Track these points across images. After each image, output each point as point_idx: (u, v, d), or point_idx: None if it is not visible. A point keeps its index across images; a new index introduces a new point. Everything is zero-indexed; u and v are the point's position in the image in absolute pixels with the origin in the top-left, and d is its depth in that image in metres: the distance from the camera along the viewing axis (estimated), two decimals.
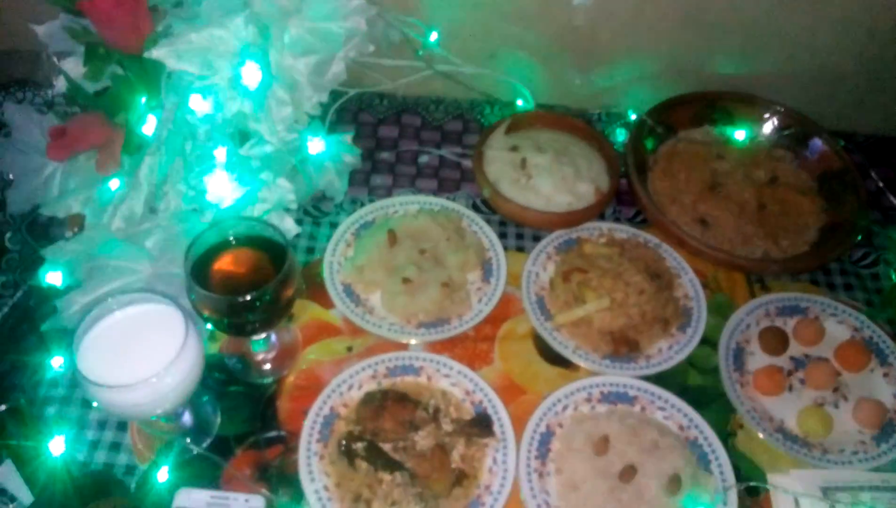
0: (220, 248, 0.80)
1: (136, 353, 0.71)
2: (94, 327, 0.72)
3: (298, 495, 0.80)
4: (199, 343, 0.73)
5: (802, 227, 1.05)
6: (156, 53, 0.88)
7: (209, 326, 0.84)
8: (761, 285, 1.02)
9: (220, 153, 0.95)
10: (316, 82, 1.00)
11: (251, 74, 0.89)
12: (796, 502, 0.82)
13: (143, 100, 0.94)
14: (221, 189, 0.95)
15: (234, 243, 0.80)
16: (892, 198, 1.12)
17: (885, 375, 0.93)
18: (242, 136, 1.00)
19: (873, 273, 1.06)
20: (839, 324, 0.97)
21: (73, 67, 0.94)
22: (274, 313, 0.80)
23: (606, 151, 1.09)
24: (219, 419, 0.85)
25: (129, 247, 0.93)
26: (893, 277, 0.98)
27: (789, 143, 1.14)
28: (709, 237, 1.03)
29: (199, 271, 0.78)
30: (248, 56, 0.89)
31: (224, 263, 0.80)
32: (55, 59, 0.95)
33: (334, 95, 1.06)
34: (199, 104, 0.93)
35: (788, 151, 1.14)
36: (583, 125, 1.12)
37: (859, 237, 1.01)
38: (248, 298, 0.74)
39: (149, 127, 0.94)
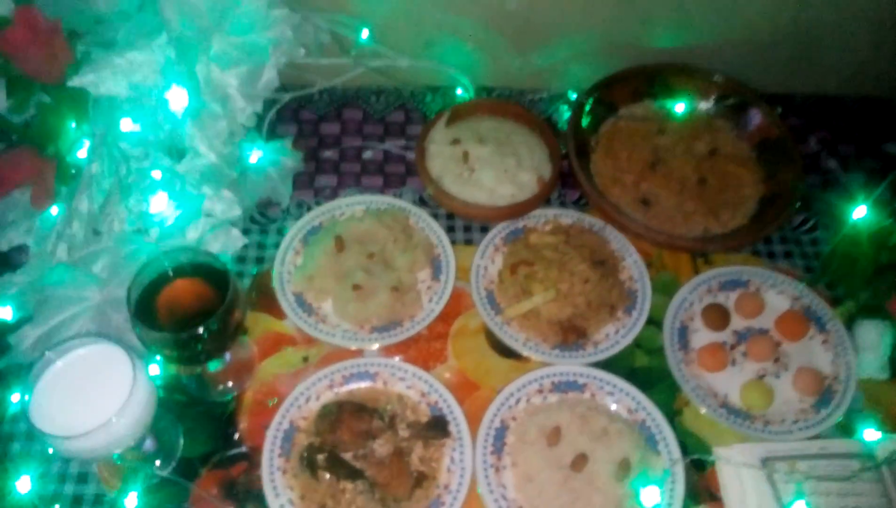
0: (162, 281, 0.80)
1: (89, 397, 0.72)
2: (42, 376, 0.72)
3: None
4: (148, 382, 0.74)
5: (742, 199, 1.07)
6: (78, 81, 0.87)
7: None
8: (705, 260, 1.05)
9: (157, 174, 0.95)
10: (248, 92, 0.99)
11: (177, 97, 0.88)
12: (739, 475, 0.86)
13: (73, 126, 0.92)
14: (163, 208, 0.95)
15: (174, 275, 0.80)
16: (829, 160, 1.14)
17: (824, 342, 0.97)
18: (179, 152, 0.99)
19: (812, 239, 1.09)
20: (779, 295, 1.00)
21: None
22: (223, 340, 0.81)
23: (547, 136, 1.10)
24: (181, 441, 0.87)
25: (77, 273, 0.93)
26: (836, 243, 1.00)
27: (728, 113, 1.15)
28: (651, 218, 1.05)
29: (144, 306, 0.79)
30: (173, 78, 0.87)
31: (168, 296, 0.80)
32: None
33: (270, 100, 1.05)
34: (130, 127, 0.92)
35: (728, 121, 1.15)
36: (523, 111, 1.12)
37: (797, 206, 1.04)
38: (195, 331, 0.75)
39: (82, 153, 0.93)
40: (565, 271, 0.96)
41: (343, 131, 1.17)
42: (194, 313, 0.78)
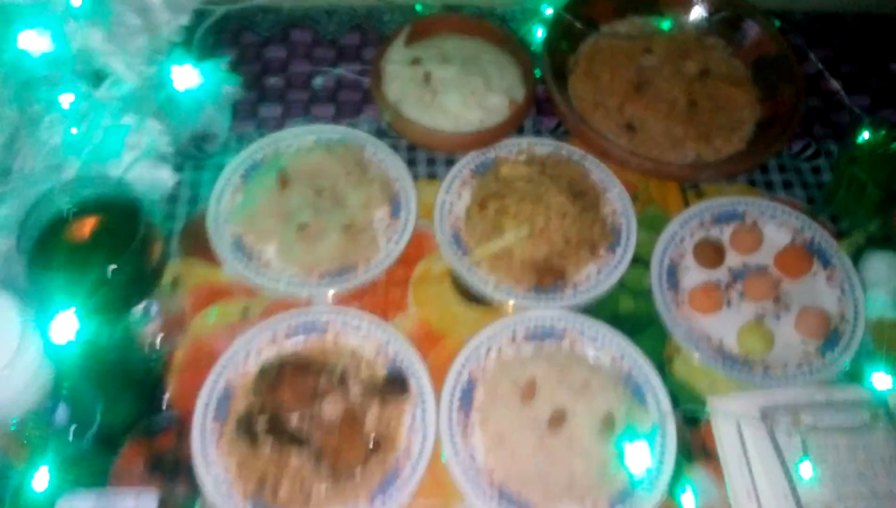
0: (63, 220, 0.68)
1: None
2: None
3: (197, 485, 0.71)
4: (41, 335, 0.62)
5: (737, 123, 0.96)
6: None
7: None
8: (696, 192, 0.94)
9: (67, 98, 0.82)
10: (173, 2, 0.85)
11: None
12: (738, 428, 0.76)
13: None
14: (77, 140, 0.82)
15: (77, 212, 0.68)
16: (831, 81, 1.03)
17: (829, 278, 0.87)
18: (97, 76, 0.86)
19: (814, 166, 0.98)
20: (779, 228, 0.90)
21: None
22: (138, 286, 0.69)
23: (520, 55, 0.97)
24: (99, 409, 0.76)
25: None
26: (841, 169, 0.90)
27: (721, 29, 1.03)
28: (636, 144, 0.93)
29: (42, 248, 0.66)
30: None
31: (70, 237, 0.68)
32: None
33: (199, 13, 0.91)
34: (32, 41, 0.79)
35: (720, 38, 1.03)
36: (493, 27, 0.99)
37: (797, 129, 0.93)
38: (97, 272, 0.63)
39: None
40: (540, 204, 0.85)
41: (290, 56, 1.03)
42: (103, 255, 0.65)
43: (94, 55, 0.82)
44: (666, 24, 1.02)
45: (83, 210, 0.68)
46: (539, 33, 1.00)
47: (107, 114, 0.85)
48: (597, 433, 0.73)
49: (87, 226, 0.68)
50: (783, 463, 0.72)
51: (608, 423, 0.74)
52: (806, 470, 0.71)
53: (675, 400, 0.78)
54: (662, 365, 0.81)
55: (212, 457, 0.72)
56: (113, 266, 0.63)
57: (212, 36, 0.97)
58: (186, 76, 0.88)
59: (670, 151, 0.93)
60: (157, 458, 0.73)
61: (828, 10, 1.12)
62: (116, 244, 0.65)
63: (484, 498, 0.71)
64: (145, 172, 0.87)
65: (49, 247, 0.67)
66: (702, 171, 0.91)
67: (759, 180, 0.96)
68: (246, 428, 0.73)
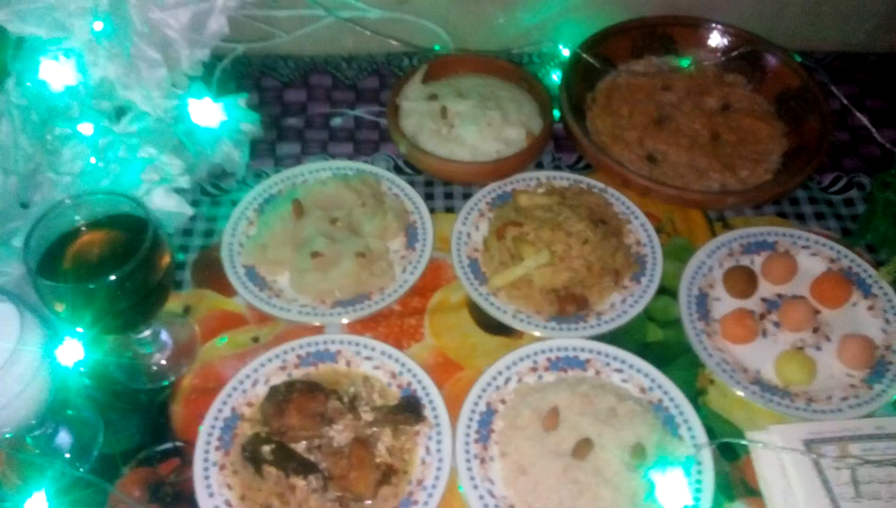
0: (72, 235, 0.67)
1: None
2: None
3: None
4: (41, 345, 0.60)
5: (763, 154, 0.94)
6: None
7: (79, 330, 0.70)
8: (723, 224, 0.91)
9: (86, 128, 0.83)
10: (193, 38, 0.87)
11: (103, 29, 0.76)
12: (781, 462, 0.70)
13: None
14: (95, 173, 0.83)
15: (86, 227, 0.67)
16: (858, 115, 1.01)
17: (870, 308, 0.82)
18: (119, 112, 0.87)
19: (846, 199, 0.95)
20: (813, 256, 0.86)
21: None
22: (144, 301, 0.67)
23: (538, 91, 0.97)
24: (101, 435, 0.72)
25: None
26: (876, 195, 0.86)
27: (741, 66, 1.02)
28: (658, 175, 0.91)
29: (49, 264, 0.65)
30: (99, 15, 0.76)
31: (77, 251, 0.66)
32: None
33: (220, 55, 0.93)
34: (53, 72, 0.80)
35: (740, 74, 1.02)
36: (509, 66, 1.00)
37: (827, 157, 0.90)
38: (102, 281, 0.61)
39: None
40: (560, 230, 0.82)
41: (310, 98, 1.05)
42: (109, 268, 0.64)
43: (114, 88, 0.84)
44: (684, 63, 1.02)
45: (92, 224, 0.67)
46: (555, 77, 1.01)
47: (124, 147, 0.86)
48: (626, 463, 0.68)
49: (96, 240, 0.67)
50: (833, 500, 0.66)
51: (638, 453, 0.68)
52: None
53: (711, 433, 0.72)
54: (695, 397, 0.76)
55: (214, 487, 0.68)
56: (115, 274, 0.61)
57: (233, 79, 1.00)
58: (205, 110, 0.90)
59: (695, 182, 0.91)
60: (158, 486, 0.69)
61: (850, 49, 1.11)
62: (124, 257, 0.63)
63: None
64: (161, 204, 0.87)
65: (56, 260, 0.65)
66: (727, 197, 0.87)
67: (790, 212, 0.93)
68: (251, 455, 0.68)
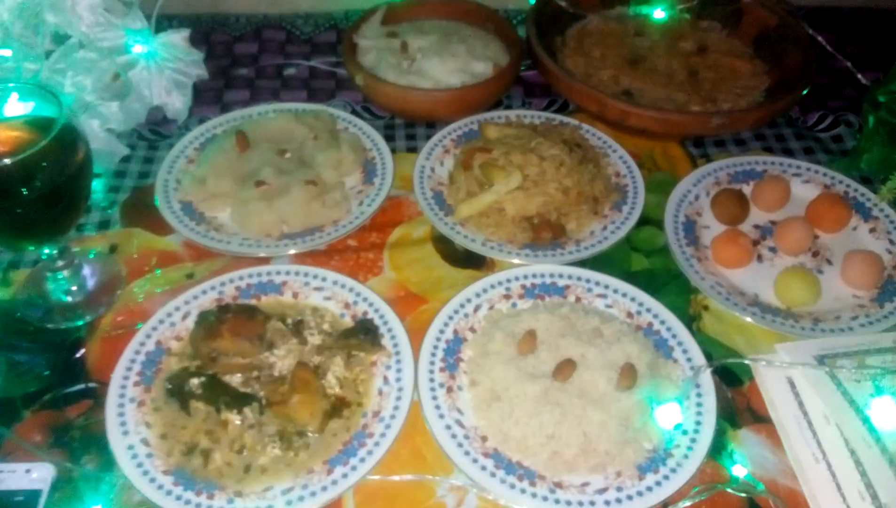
0: None
1: None
2: None
3: (110, 457, 0.56)
4: None
5: (745, 89, 0.88)
6: None
7: None
8: (706, 159, 0.84)
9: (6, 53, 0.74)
10: None
11: None
12: (791, 383, 0.61)
13: None
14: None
15: None
16: (840, 58, 0.96)
17: (872, 230, 0.75)
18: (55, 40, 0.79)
19: (834, 136, 0.89)
20: (805, 183, 0.79)
21: None
22: (54, 199, 0.57)
23: (505, 31, 0.91)
24: (1, 379, 0.61)
25: None
26: (870, 120, 0.80)
27: (715, 12, 0.97)
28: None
29: None
30: None
31: None
32: None
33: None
34: None
35: (714, 20, 0.97)
36: (474, 8, 0.94)
37: (806, 90, 0.84)
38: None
39: None
40: (533, 154, 0.74)
41: (262, 51, 0.98)
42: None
43: (42, 9, 0.76)
44: (658, 15, 0.97)
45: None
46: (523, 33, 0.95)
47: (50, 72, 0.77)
48: (615, 383, 0.59)
49: (4, 138, 0.58)
50: (858, 410, 0.57)
51: (629, 374, 0.59)
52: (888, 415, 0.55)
53: (709, 359, 0.64)
54: (689, 323, 0.67)
55: (130, 424, 0.57)
56: (16, 157, 0.52)
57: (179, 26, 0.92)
58: (143, 42, 0.82)
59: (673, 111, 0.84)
60: (63, 431, 0.58)
61: (825, 4, 1.07)
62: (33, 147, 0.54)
63: (475, 467, 0.55)
64: (92, 142, 0.78)
65: None
66: (711, 119, 0.80)
67: (777, 148, 0.86)
68: (176, 390, 0.58)
